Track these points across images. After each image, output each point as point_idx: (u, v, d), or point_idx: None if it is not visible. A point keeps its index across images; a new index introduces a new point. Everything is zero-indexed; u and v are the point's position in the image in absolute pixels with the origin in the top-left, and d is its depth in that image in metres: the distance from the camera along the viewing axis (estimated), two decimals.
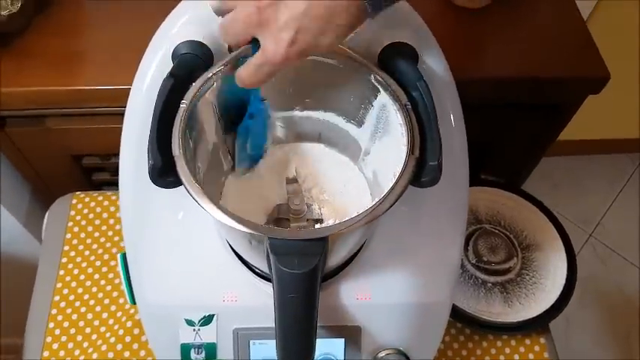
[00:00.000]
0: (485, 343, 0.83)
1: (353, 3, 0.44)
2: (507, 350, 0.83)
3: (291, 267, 0.44)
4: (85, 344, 0.82)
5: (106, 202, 0.93)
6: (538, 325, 0.82)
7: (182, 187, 0.47)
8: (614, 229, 2.00)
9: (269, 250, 0.45)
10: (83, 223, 0.91)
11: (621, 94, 1.61)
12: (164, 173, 0.47)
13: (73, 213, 0.92)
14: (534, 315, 0.82)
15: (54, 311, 0.84)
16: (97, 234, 0.91)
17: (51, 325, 0.83)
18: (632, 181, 2.11)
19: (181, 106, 0.50)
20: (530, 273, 0.85)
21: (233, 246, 0.59)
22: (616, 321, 1.83)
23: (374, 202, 0.46)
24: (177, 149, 0.48)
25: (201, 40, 0.53)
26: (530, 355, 0.83)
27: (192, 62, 0.53)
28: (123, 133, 0.60)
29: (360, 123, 0.59)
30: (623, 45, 1.57)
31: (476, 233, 0.86)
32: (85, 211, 0.92)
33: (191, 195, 0.46)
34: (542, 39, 0.94)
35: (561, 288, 0.83)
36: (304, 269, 0.44)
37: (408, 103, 0.51)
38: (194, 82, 0.52)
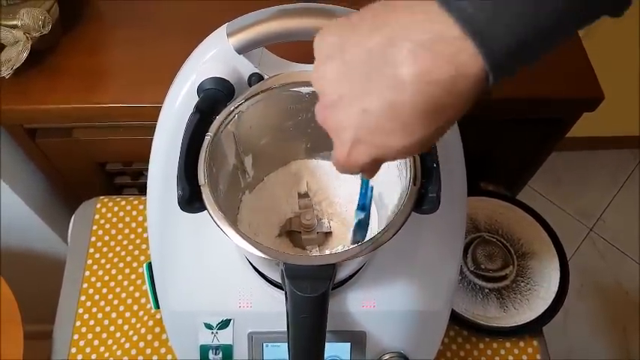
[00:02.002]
0: (482, 345, 0.87)
1: (424, 95, 0.33)
2: (502, 352, 0.87)
3: (303, 291, 0.49)
4: (110, 341, 0.86)
5: (128, 207, 0.97)
6: (531, 329, 0.86)
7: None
8: (614, 224, 2.02)
9: (284, 273, 0.50)
10: (107, 226, 0.95)
11: (625, 92, 1.63)
12: (191, 201, 0.52)
13: (97, 217, 0.95)
14: (528, 320, 0.86)
15: (80, 310, 0.88)
16: (120, 237, 0.94)
17: (77, 323, 0.87)
18: (634, 177, 2.12)
19: (206, 137, 0.54)
20: (525, 280, 0.89)
21: (249, 259, 0.63)
22: (614, 313, 1.86)
23: (379, 231, 0.51)
24: (202, 179, 0.52)
25: (224, 77, 0.57)
26: (524, 357, 0.86)
27: (215, 96, 0.57)
28: (151, 154, 0.63)
29: None
30: (627, 44, 1.59)
31: (475, 241, 0.90)
32: (109, 215, 0.96)
33: (215, 222, 0.51)
34: (541, 61, 0.96)
35: (554, 295, 0.87)
36: (315, 293, 0.49)
37: None
38: (217, 114, 0.56)
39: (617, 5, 0.33)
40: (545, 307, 0.86)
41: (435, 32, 0.32)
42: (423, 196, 0.52)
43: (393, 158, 0.39)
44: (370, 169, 0.41)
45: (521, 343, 0.87)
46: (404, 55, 0.33)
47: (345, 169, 0.41)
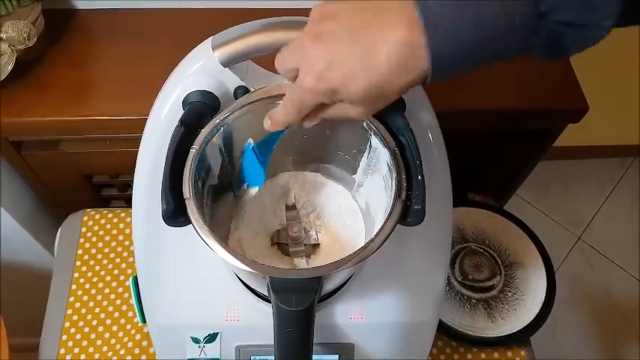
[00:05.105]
0: (470, 355, 0.87)
1: (403, 59, 0.41)
2: None
3: (289, 304, 0.49)
4: (97, 355, 0.85)
5: (115, 220, 0.96)
6: (519, 339, 0.86)
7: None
8: (602, 233, 2.03)
9: (269, 287, 0.50)
10: (94, 239, 0.94)
11: (612, 103, 1.65)
12: (176, 215, 0.51)
13: (84, 230, 0.95)
14: (515, 330, 0.86)
15: (67, 324, 0.87)
16: (107, 250, 0.94)
17: (64, 337, 0.86)
18: (621, 185, 2.14)
19: (191, 151, 0.54)
20: (512, 290, 0.89)
21: (236, 272, 0.64)
22: (602, 322, 1.86)
23: (364, 243, 0.51)
24: (187, 192, 0.52)
25: (209, 89, 0.57)
26: None
27: (201, 109, 0.57)
28: (137, 167, 0.63)
29: (354, 170, 0.64)
30: (618, 55, 1.60)
31: (462, 252, 0.90)
32: (96, 227, 0.95)
33: (200, 236, 0.51)
34: (526, 73, 0.97)
35: (541, 305, 0.87)
36: (301, 307, 0.49)
37: (396, 148, 0.55)
38: (202, 127, 0.56)
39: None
40: (533, 317, 0.87)
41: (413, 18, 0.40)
42: (408, 208, 0.52)
43: (345, 96, 0.45)
44: (321, 97, 0.46)
45: (509, 353, 0.88)
46: (396, 19, 0.41)
47: (302, 92, 0.46)
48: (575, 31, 0.39)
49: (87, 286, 0.91)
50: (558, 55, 0.42)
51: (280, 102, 0.50)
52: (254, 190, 0.67)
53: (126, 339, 0.87)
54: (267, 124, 0.52)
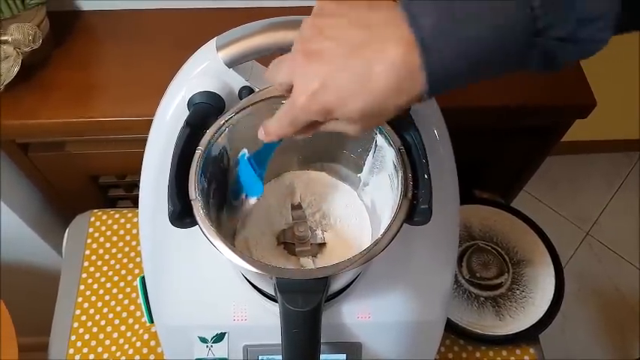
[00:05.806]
0: (478, 354, 0.87)
1: (401, 81, 0.40)
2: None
3: (295, 305, 0.49)
4: (105, 355, 0.86)
5: (122, 220, 0.96)
6: (527, 337, 0.86)
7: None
8: (610, 227, 2.03)
9: (276, 288, 0.50)
10: (101, 240, 0.95)
11: (619, 97, 1.64)
12: (182, 217, 0.52)
13: (91, 230, 0.95)
14: (524, 328, 0.85)
15: (75, 324, 0.88)
16: (114, 250, 0.94)
17: (73, 337, 0.87)
18: (629, 180, 2.13)
19: (197, 152, 0.55)
20: (520, 288, 0.89)
21: (243, 273, 0.64)
22: (611, 317, 1.86)
23: (370, 243, 0.51)
24: (193, 193, 0.52)
25: (214, 90, 0.57)
26: None
27: (206, 110, 0.57)
28: (143, 168, 0.63)
29: (359, 168, 0.63)
30: (623, 49, 1.59)
31: (469, 249, 0.90)
32: (103, 228, 0.96)
33: (206, 237, 0.51)
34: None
35: (549, 302, 0.87)
36: (308, 307, 0.49)
37: (402, 147, 0.55)
38: (207, 128, 0.56)
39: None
40: (541, 314, 0.86)
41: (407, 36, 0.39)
42: (414, 207, 0.52)
43: (340, 116, 0.43)
44: (314, 117, 0.44)
45: (518, 351, 0.87)
46: (390, 38, 0.40)
47: (295, 110, 0.45)
48: (572, 47, 0.38)
49: (95, 286, 0.91)
50: (554, 68, 0.41)
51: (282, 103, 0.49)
52: (252, 200, 0.66)
53: (134, 339, 0.87)
54: (262, 135, 0.51)
